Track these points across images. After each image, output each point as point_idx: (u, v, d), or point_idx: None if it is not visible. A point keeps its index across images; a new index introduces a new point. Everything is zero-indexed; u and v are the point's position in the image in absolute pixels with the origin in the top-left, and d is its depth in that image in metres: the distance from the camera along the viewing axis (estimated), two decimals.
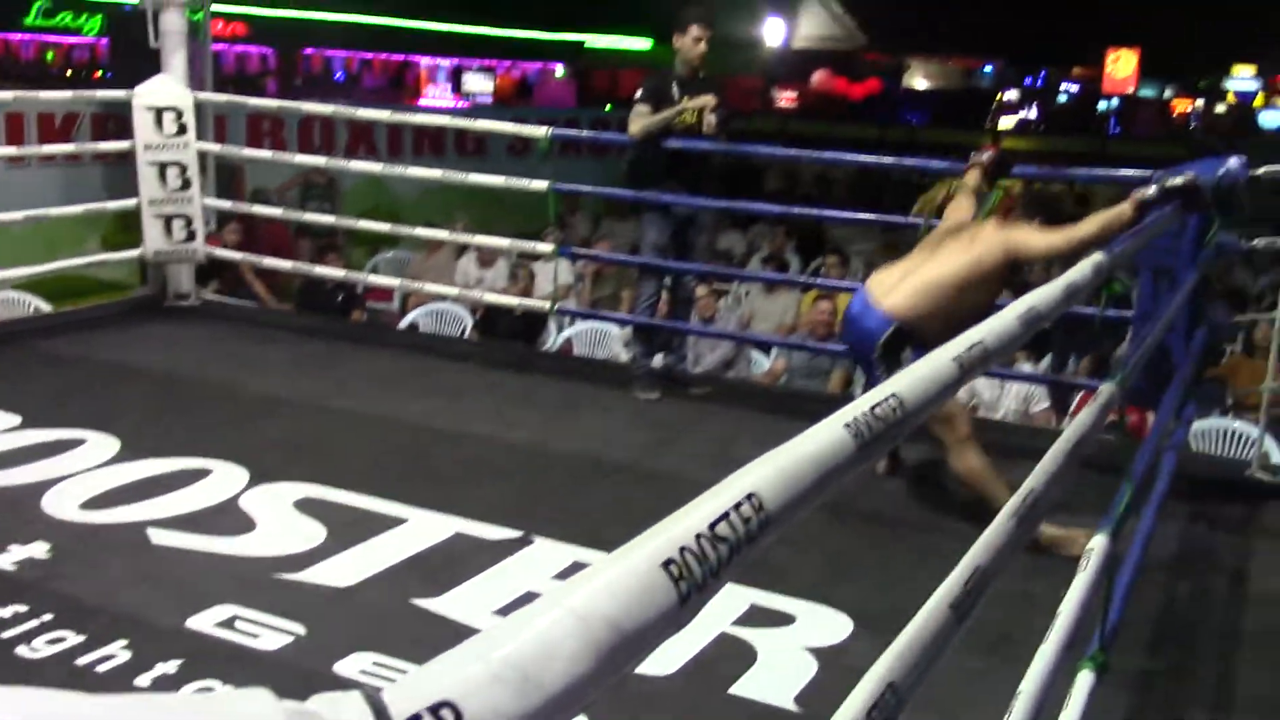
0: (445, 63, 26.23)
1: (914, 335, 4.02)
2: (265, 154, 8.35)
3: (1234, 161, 4.41)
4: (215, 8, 10.11)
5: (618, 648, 0.70)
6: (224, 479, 4.24)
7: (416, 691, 0.59)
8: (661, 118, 5.41)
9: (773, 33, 32.06)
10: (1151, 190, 4.06)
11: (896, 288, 4.13)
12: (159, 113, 6.42)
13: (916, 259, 4.22)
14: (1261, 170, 4.71)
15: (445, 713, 0.58)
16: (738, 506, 0.92)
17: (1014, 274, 4.16)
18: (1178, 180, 4.22)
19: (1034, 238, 4.02)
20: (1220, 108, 39.32)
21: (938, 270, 4.10)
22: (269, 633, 3.16)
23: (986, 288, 4.11)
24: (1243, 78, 38.39)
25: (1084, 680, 2.33)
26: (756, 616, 3.37)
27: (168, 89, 6.51)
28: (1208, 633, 3.57)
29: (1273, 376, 4.99)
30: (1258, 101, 38.21)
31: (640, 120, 5.43)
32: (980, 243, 4.09)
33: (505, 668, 0.62)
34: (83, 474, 4.23)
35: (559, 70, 28.65)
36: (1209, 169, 4.35)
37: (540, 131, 6.01)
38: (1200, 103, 40.02)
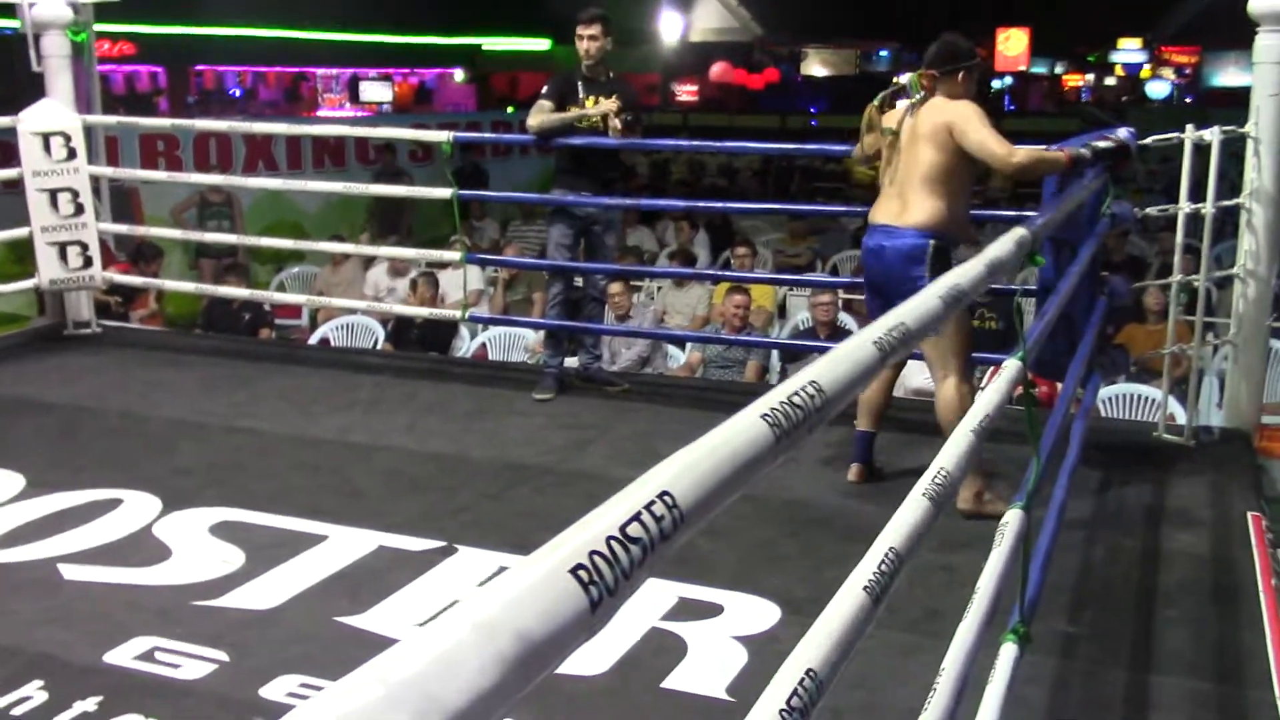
0: (341, 72, 25.88)
1: (945, 240, 4.12)
2: (161, 175, 8.18)
3: (1123, 132, 4.52)
4: (101, 27, 9.86)
5: (526, 659, 0.69)
6: (136, 508, 4.14)
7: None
8: (560, 118, 5.39)
9: (669, 27, 32.15)
10: (1085, 150, 4.19)
11: (906, 206, 4.15)
12: (46, 138, 6.25)
13: (898, 177, 4.22)
14: (1150, 139, 4.83)
15: None
16: (649, 506, 0.91)
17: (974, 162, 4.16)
18: (1107, 143, 4.34)
19: (974, 124, 4.06)
20: (1110, 80, 40.24)
21: (920, 174, 4.12)
22: (191, 662, 3.09)
23: (963, 169, 4.16)
24: (1129, 50, 39.30)
25: (1008, 652, 2.36)
26: (685, 609, 3.38)
27: (54, 113, 6.34)
28: (1125, 593, 3.65)
29: (1172, 340, 5.12)
30: (1145, 73, 39.16)
31: (539, 115, 5.42)
32: (932, 130, 4.11)
33: (405, 689, 0.61)
34: None
35: (458, 75, 28.42)
36: (1099, 140, 4.46)
37: (443, 136, 5.96)
38: (1090, 77, 40.94)
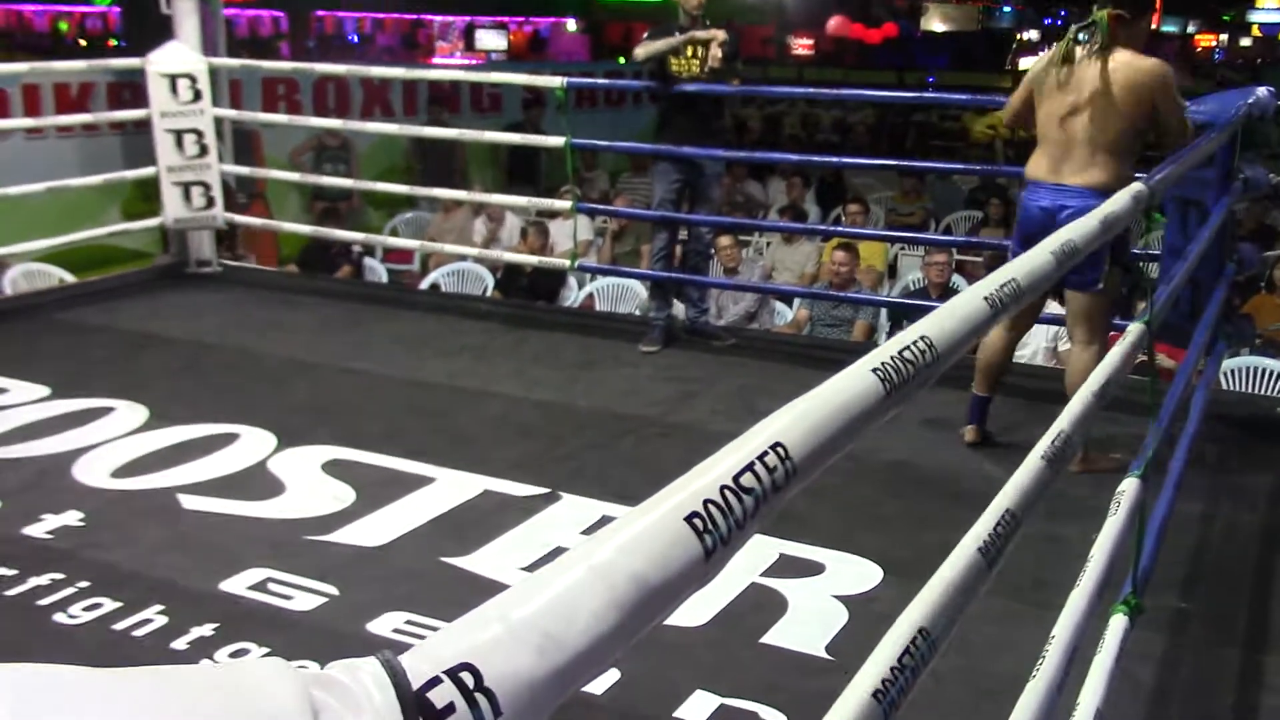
0: (457, 20, 26.03)
1: None
2: (281, 118, 8.31)
3: (1263, 91, 4.33)
4: None
5: (642, 603, 0.69)
6: (252, 443, 4.26)
7: (436, 655, 0.58)
8: (667, 41, 5.39)
9: None
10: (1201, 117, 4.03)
11: (1089, 164, 3.94)
12: (173, 80, 6.40)
13: (1075, 131, 3.97)
14: None
15: (465, 675, 0.58)
16: (763, 457, 0.90)
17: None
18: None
19: (1174, 94, 3.91)
20: (1245, 41, 38.65)
21: (1109, 132, 3.91)
22: (302, 594, 3.18)
23: (1145, 133, 4.00)
24: (1268, 9, 37.67)
25: (1117, 624, 2.31)
26: (786, 567, 3.37)
27: (181, 55, 6.48)
28: (1241, 572, 3.55)
29: None
30: None
31: (645, 45, 5.43)
32: (1129, 89, 3.89)
33: (526, 628, 0.61)
34: (112, 442, 4.26)
35: (571, 24, 28.40)
36: (1233, 101, 4.28)
37: (555, 82, 5.96)
38: (1224, 37, 39.36)
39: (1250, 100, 4.24)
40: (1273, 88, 4.46)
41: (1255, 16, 38.25)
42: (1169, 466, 3.16)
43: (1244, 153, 4.37)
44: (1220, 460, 4.32)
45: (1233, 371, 5.87)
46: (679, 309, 6.04)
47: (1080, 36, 3.96)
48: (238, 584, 3.22)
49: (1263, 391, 5.77)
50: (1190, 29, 39.04)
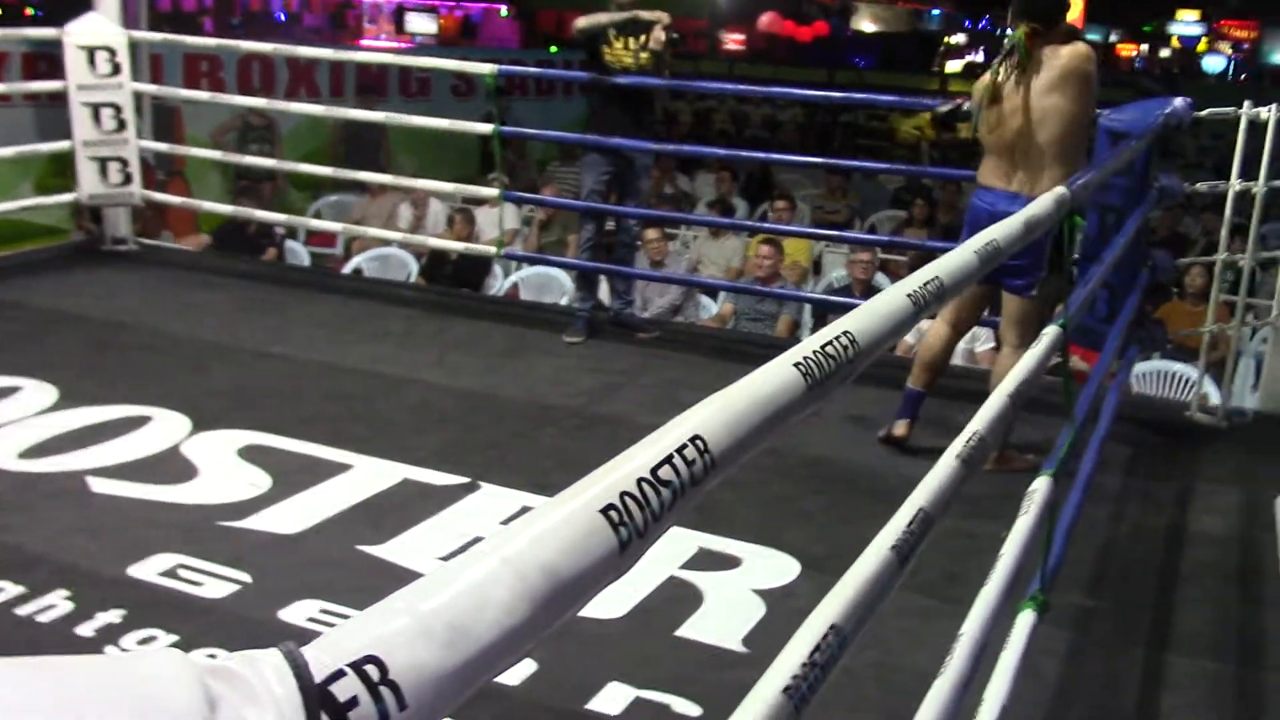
0: (387, 2, 25.74)
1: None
2: (203, 95, 8.15)
3: (1180, 102, 4.43)
4: None
5: (554, 596, 0.68)
6: (166, 427, 4.18)
7: (340, 647, 0.57)
8: (611, 16, 5.38)
9: None
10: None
11: (1033, 174, 3.99)
12: (92, 52, 6.25)
13: (1016, 141, 4.03)
14: (1205, 113, 4.74)
15: (370, 668, 0.57)
16: (681, 449, 0.90)
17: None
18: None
19: (1090, 86, 4.00)
20: (1165, 52, 39.53)
21: (1048, 141, 3.96)
22: (213, 581, 3.12)
23: (1086, 128, 4.06)
24: (1187, 22, 38.57)
25: (1025, 620, 2.35)
26: (704, 560, 3.38)
27: (101, 27, 6.33)
28: (1147, 570, 3.63)
29: (1212, 320, 5.06)
30: (1201, 46, 38.44)
31: (589, 17, 5.42)
32: (1058, 79, 3.96)
33: (434, 620, 0.60)
34: (20, 422, 4.15)
35: (503, 10, 28.22)
36: (1152, 110, 4.38)
37: (486, 69, 5.92)
38: (1145, 47, 40.21)
39: (1168, 111, 4.33)
40: (1190, 99, 4.57)
41: (1174, 29, 39.16)
42: (1080, 467, 3.22)
43: (1160, 162, 4.47)
44: (1129, 462, 4.42)
45: (1144, 375, 6.01)
46: (605, 300, 6.04)
47: (1009, 55, 4.02)
48: (147, 570, 3.15)
49: (1172, 396, 5.92)
50: (1112, 38, 39.82)
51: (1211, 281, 5.16)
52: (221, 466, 3.89)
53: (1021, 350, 4.04)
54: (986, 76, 4.13)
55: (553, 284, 7.45)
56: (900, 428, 4.37)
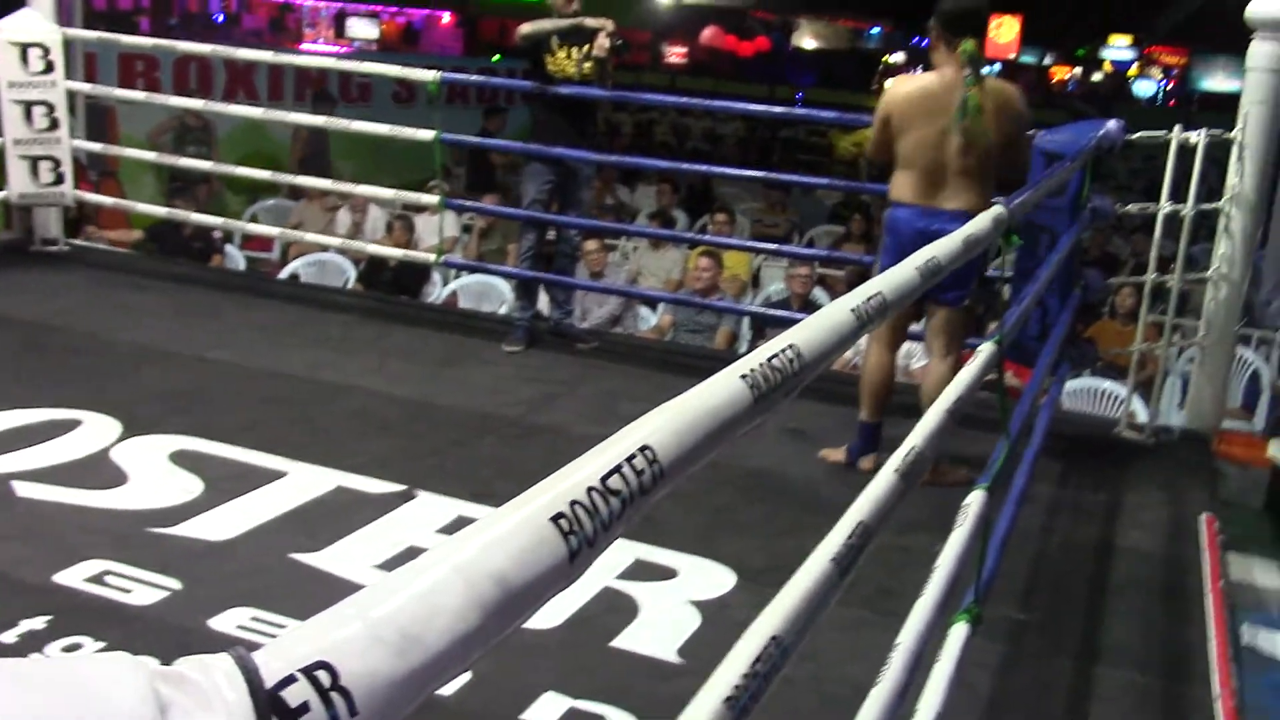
0: (328, 6, 25.53)
1: None
2: (138, 95, 8.03)
3: (1113, 125, 4.53)
4: None
5: (505, 604, 0.68)
6: (95, 430, 4.10)
7: (291, 652, 0.57)
8: (555, 22, 5.35)
9: None
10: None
11: (956, 189, 4.05)
12: (24, 49, 6.13)
13: (943, 157, 4.08)
14: (1137, 136, 4.84)
15: (321, 674, 0.56)
16: (631, 459, 0.90)
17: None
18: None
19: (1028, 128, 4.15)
20: (1097, 76, 40.31)
21: (987, 159, 4.05)
22: (142, 588, 3.07)
23: (997, 159, 4.13)
24: (1119, 47, 39.35)
25: (958, 632, 2.38)
26: (640, 570, 3.38)
27: (34, 24, 6.21)
28: (1076, 584, 3.69)
29: (1141, 339, 5.16)
30: (1132, 71, 39.25)
31: (533, 23, 5.39)
32: (1003, 113, 4.05)
33: (385, 626, 0.60)
34: None
35: (446, 17, 28.10)
36: (1085, 132, 4.46)
37: (429, 75, 5.89)
38: (1078, 71, 40.99)
39: (1101, 133, 4.42)
40: (1123, 121, 4.66)
41: (1107, 53, 39.95)
42: (1014, 481, 3.27)
43: (1093, 183, 4.55)
44: (1061, 477, 4.49)
45: (1075, 392, 6.12)
46: (544, 309, 6.03)
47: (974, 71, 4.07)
48: (73, 576, 3.09)
49: (1103, 412, 6.03)
50: (1047, 61, 40.54)
51: (1141, 301, 5.26)
52: (152, 472, 3.82)
53: (951, 358, 4.12)
54: (916, 85, 4.18)
55: (492, 292, 7.42)
56: (867, 462, 4.30)
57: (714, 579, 3.40)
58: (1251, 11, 4.70)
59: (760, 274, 9.01)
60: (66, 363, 4.88)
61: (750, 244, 8.70)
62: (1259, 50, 4.74)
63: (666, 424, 0.98)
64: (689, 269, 7.91)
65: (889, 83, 4.20)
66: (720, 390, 1.09)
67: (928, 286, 1.88)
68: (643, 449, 0.91)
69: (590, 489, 0.82)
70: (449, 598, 0.65)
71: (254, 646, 0.58)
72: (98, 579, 3.09)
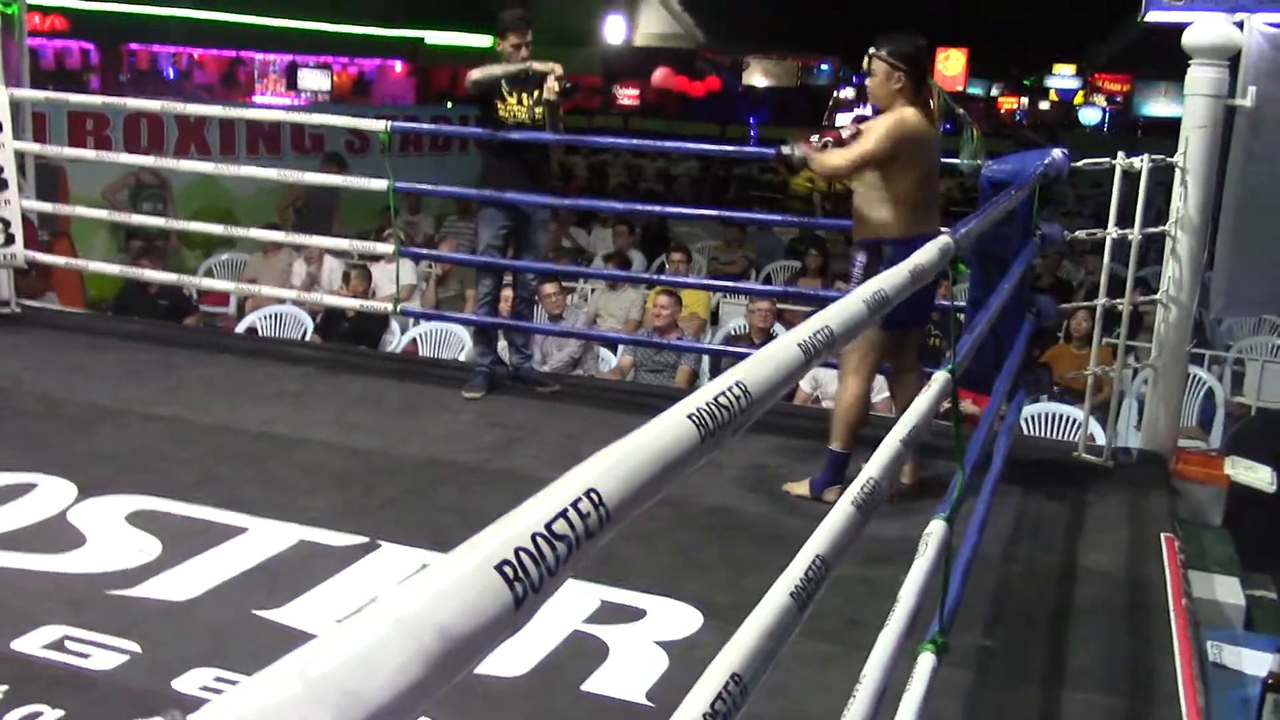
0: (279, 58, 25.54)
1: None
2: (89, 154, 8.00)
3: (1058, 153, 4.60)
4: (34, 0, 9.64)
5: (449, 655, 0.68)
6: (50, 493, 4.04)
7: (227, 715, 0.56)
8: (505, 68, 5.36)
9: (613, 30, 32.19)
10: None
11: (933, 217, 4.32)
12: None
13: (930, 190, 4.40)
14: (1083, 163, 4.92)
15: None
16: (576, 503, 0.90)
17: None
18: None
19: None
20: (1043, 105, 40.95)
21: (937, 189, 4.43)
22: (102, 652, 3.02)
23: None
24: (1063, 76, 40.02)
25: (925, 662, 2.38)
26: (607, 613, 3.37)
27: None
28: (1040, 609, 3.71)
29: (1095, 362, 5.22)
30: (1077, 99, 39.91)
31: (482, 69, 5.40)
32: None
33: (326, 685, 0.59)
34: None
35: (398, 67, 28.19)
36: (1032, 161, 4.53)
37: (379, 125, 5.89)
38: (1025, 100, 41.63)
39: (1047, 161, 4.49)
40: (1067, 149, 4.74)
41: (1052, 83, 40.63)
42: (974, 509, 3.29)
43: (1041, 210, 4.61)
44: (1021, 502, 4.51)
45: (1033, 417, 6.17)
46: (504, 355, 6.02)
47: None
48: (31, 643, 3.04)
49: (1060, 437, 6.08)
50: (994, 92, 41.16)
51: (1094, 325, 5.32)
52: (109, 533, 3.77)
53: (862, 384, 4.27)
54: (922, 124, 4.26)
55: (451, 339, 7.41)
56: (832, 494, 4.26)
57: (681, 619, 3.39)
58: (1188, 39, 4.79)
59: (720, 310, 9.05)
60: (19, 426, 4.82)
61: (708, 282, 8.75)
62: (1197, 76, 4.83)
63: (613, 466, 0.98)
64: (649, 307, 7.94)
65: (891, 118, 4.20)
66: (667, 430, 1.09)
67: (875, 318, 1.89)
68: (588, 492, 0.91)
69: (535, 535, 0.82)
70: (391, 651, 0.64)
71: (194, 707, 0.57)
72: (57, 645, 3.04)
